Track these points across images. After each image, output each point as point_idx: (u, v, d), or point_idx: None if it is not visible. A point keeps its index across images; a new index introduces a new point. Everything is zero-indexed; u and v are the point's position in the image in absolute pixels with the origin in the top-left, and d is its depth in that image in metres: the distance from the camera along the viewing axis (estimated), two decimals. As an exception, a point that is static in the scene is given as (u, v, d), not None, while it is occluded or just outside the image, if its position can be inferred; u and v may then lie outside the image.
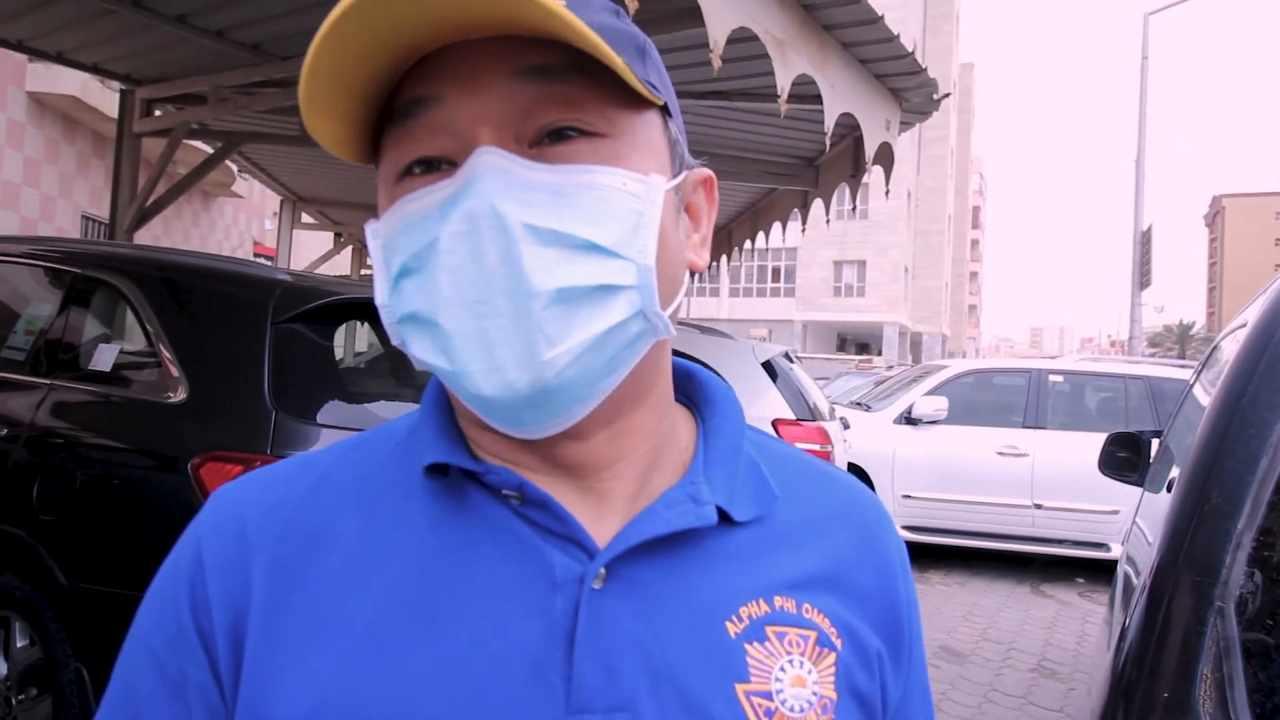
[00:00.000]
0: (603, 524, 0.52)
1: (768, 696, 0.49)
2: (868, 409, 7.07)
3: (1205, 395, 1.64)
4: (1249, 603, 1.08)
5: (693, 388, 0.61)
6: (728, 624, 0.51)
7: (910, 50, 4.52)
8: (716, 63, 3.17)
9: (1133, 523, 2.32)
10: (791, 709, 0.49)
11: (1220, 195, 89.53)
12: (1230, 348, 1.51)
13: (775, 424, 4.56)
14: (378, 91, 0.48)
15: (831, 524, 0.58)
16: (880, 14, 4.09)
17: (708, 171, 0.58)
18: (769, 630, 0.51)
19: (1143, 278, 16.02)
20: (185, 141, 6.98)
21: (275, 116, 6.62)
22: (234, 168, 11.16)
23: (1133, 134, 16.69)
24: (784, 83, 3.67)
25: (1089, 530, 6.14)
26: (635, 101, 0.49)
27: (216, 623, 0.49)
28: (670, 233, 0.51)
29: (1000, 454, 6.34)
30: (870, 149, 4.86)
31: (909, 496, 6.41)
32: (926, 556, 6.54)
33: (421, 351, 0.49)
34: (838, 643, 0.53)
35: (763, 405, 4.60)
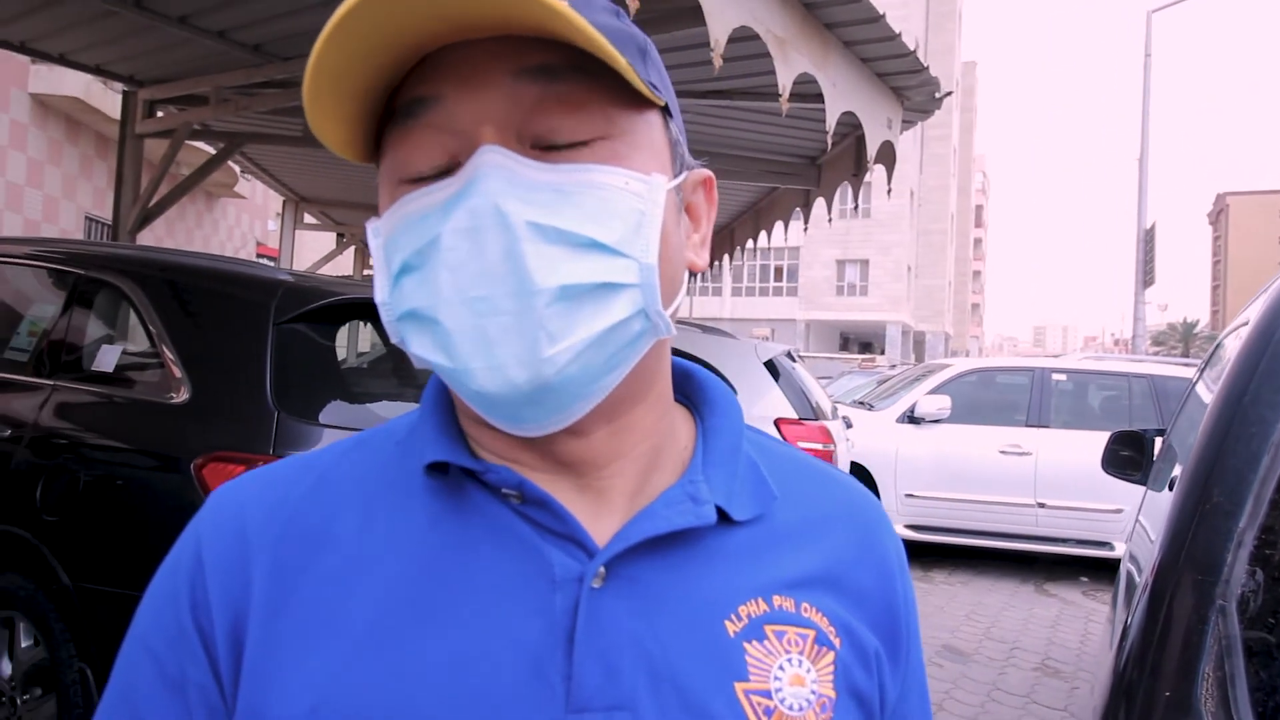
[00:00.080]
0: (602, 523, 0.52)
1: (767, 695, 0.49)
2: (870, 408, 7.07)
3: (1208, 393, 1.63)
4: (1250, 601, 1.08)
5: (692, 388, 0.62)
6: (727, 623, 0.51)
7: (912, 49, 4.51)
8: (718, 62, 3.17)
9: (1136, 521, 2.31)
10: (790, 708, 0.50)
11: (1224, 193, 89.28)
12: (1232, 346, 1.51)
13: (778, 423, 4.56)
14: (380, 91, 0.48)
15: (830, 524, 0.58)
16: (882, 12, 4.09)
17: (707, 172, 0.58)
18: (768, 629, 0.51)
19: (1146, 276, 15.99)
20: (188, 142, 6.98)
21: (277, 117, 6.63)
22: (236, 168, 11.18)
23: (1136, 132, 16.64)
24: (785, 81, 3.67)
25: (1092, 529, 6.13)
26: (637, 102, 0.50)
27: (216, 622, 0.49)
28: (671, 232, 0.51)
29: (1003, 453, 6.34)
30: (872, 148, 4.86)
31: (912, 495, 6.41)
32: (930, 555, 6.53)
33: (421, 349, 0.49)
34: (836, 642, 0.53)
35: (765, 404, 4.60)
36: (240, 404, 2.30)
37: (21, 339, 2.89)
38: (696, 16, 3.13)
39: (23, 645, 2.46)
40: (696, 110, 5.76)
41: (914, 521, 6.41)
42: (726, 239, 9.54)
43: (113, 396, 2.57)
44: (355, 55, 0.44)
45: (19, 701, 2.44)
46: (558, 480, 0.53)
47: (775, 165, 6.96)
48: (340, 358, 3.17)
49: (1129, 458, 2.87)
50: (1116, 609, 1.97)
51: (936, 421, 6.55)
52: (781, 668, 0.50)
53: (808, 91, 4.19)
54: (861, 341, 41.21)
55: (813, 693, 0.51)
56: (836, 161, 6.51)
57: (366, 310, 2.61)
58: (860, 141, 5.55)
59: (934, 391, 6.75)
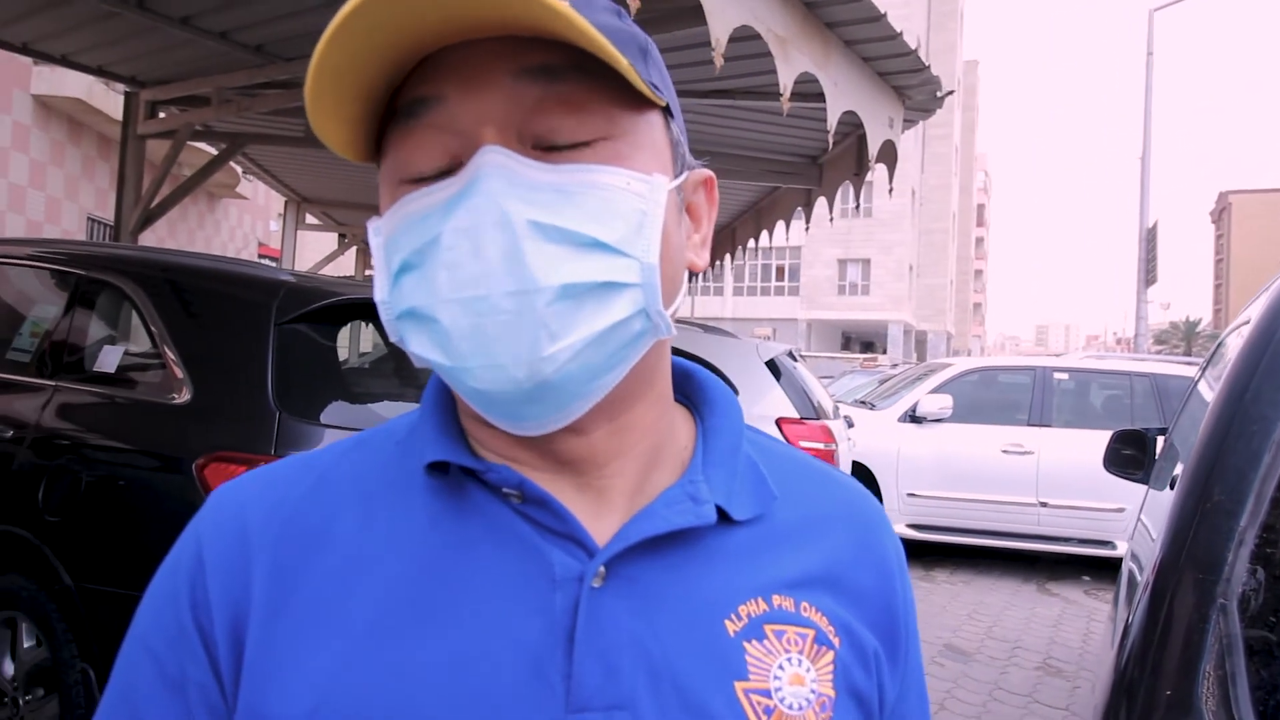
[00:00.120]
0: (602, 522, 0.52)
1: (766, 694, 0.49)
2: (872, 407, 7.06)
3: (1209, 392, 1.63)
4: (1251, 600, 1.08)
5: (692, 388, 0.62)
6: (727, 622, 0.51)
7: (914, 48, 4.51)
8: (719, 61, 3.17)
9: (1137, 520, 2.31)
10: (790, 707, 0.50)
11: (1227, 191, 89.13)
12: (1234, 344, 1.51)
13: (779, 422, 4.56)
14: (381, 91, 0.48)
15: (830, 524, 0.58)
16: (883, 11, 4.08)
17: (708, 172, 0.58)
18: (768, 629, 0.51)
19: (1149, 275, 15.97)
20: (189, 143, 6.99)
21: (279, 118, 6.64)
22: (238, 169, 11.18)
23: (1138, 130, 16.61)
24: (786, 81, 3.66)
25: (1094, 528, 6.12)
26: (638, 102, 0.50)
27: (217, 622, 0.50)
28: (672, 232, 0.51)
29: (1005, 452, 6.33)
30: (873, 147, 4.85)
31: (914, 495, 6.41)
32: (931, 555, 6.53)
33: (420, 347, 0.49)
34: (835, 641, 0.53)
35: (767, 404, 4.59)
36: (242, 404, 2.31)
37: (23, 340, 2.90)
38: (697, 16, 3.13)
39: (25, 646, 2.47)
40: (697, 110, 5.76)
41: (916, 521, 6.41)
42: (728, 238, 9.53)
43: (114, 397, 2.57)
44: (357, 55, 0.44)
45: (21, 702, 2.45)
46: (558, 479, 0.53)
47: (776, 165, 6.96)
48: (342, 358, 3.17)
49: (1131, 457, 2.86)
50: (1118, 608, 1.97)
51: (938, 421, 6.55)
52: (781, 667, 0.51)
53: (809, 91, 4.19)
54: (863, 341, 41.18)
55: (812, 692, 0.51)
56: (838, 161, 6.51)
57: (368, 310, 2.61)
58: (862, 141, 5.54)
59: (936, 391, 6.74)
